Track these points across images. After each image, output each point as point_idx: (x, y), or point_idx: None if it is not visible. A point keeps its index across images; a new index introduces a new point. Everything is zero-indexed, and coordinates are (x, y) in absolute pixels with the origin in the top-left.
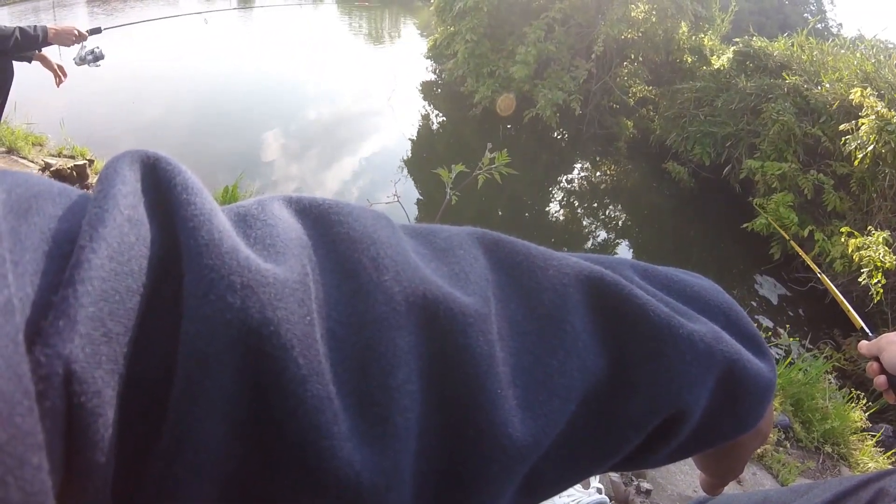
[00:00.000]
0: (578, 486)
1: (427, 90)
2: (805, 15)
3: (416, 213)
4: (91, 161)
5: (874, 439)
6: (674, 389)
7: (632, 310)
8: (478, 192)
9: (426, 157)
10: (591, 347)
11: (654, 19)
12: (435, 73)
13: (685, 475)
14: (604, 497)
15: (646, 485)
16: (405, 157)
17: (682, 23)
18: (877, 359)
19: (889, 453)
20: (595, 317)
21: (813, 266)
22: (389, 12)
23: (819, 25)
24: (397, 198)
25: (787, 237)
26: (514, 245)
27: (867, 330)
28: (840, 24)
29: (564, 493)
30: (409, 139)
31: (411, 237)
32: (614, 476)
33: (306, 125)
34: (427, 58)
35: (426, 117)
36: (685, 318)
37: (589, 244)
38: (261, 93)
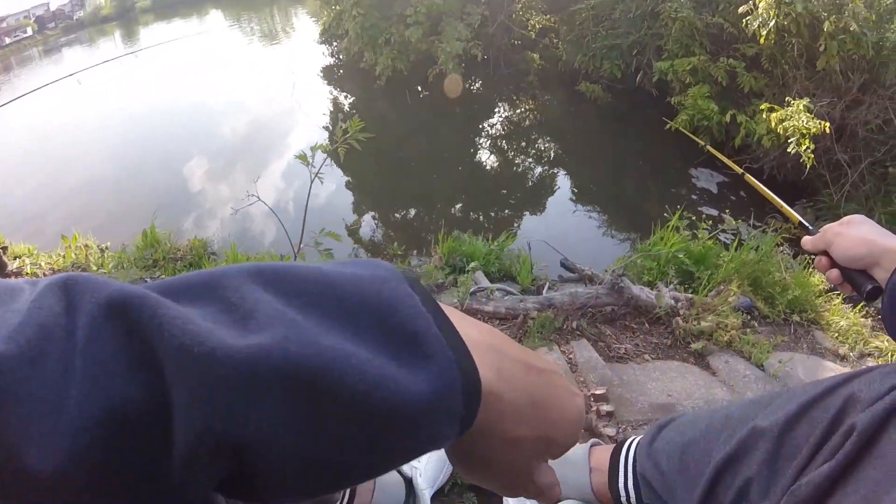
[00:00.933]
0: None
1: (329, 75)
2: None
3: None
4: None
5: (839, 297)
6: (200, 414)
7: (150, 331)
8: (405, 161)
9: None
10: (120, 373)
11: None
12: (332, 55)
13: (656, 381)
14: None
15: (606, 407)
16: (327, 149)
17: None
18: (825, 253)
19: (858, 307)
20: (123, 341)
21: (734, 166)
22: (278, 8)
23: None
24: (257, 197)
25: (703, 143)
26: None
27: (807, 224)
28: None
29: None
30: (324, 128)
31: None
32: None
33: (224, 144)
34: (321, 43)
35: (335, 101)
36: (245, 330)
37: (529, 183)
38: (171, 127)
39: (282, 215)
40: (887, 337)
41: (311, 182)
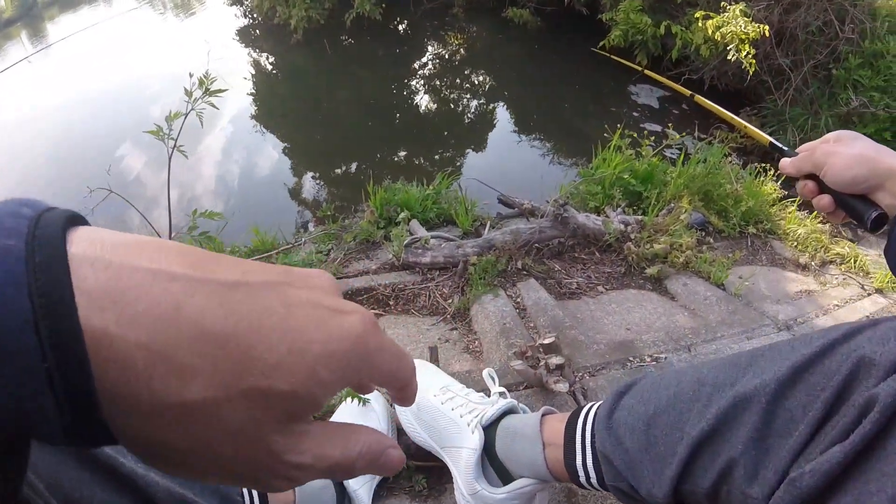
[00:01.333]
0: (481, 396)
1: (244, 36)
2: None
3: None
4: None
5: (794, 204)
6: None
7: None
8: (332, 114)
9: (271, 104)
10: None
11: None
12: (245, 15)
13: (613, 315)
14: (511, 401)
15: (556, 360)
16: (253, 114)
17: None
18: (812, 177)
19: (814, 213)
20: None
21: (681, 90)
22: None
23: None
24: (109, 190)
25: (641, 69)
26: None
27: (780, 145)
28: None
29: (467, 410)
30: (249, 94)
31: None
32: (517, 364)
33: (145, 126)
34: (231, 4)
35: (255, 63)
36: None
37: (466, 121)
38: (102, 116)
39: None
40: (848, 243)
41: (170, 156)
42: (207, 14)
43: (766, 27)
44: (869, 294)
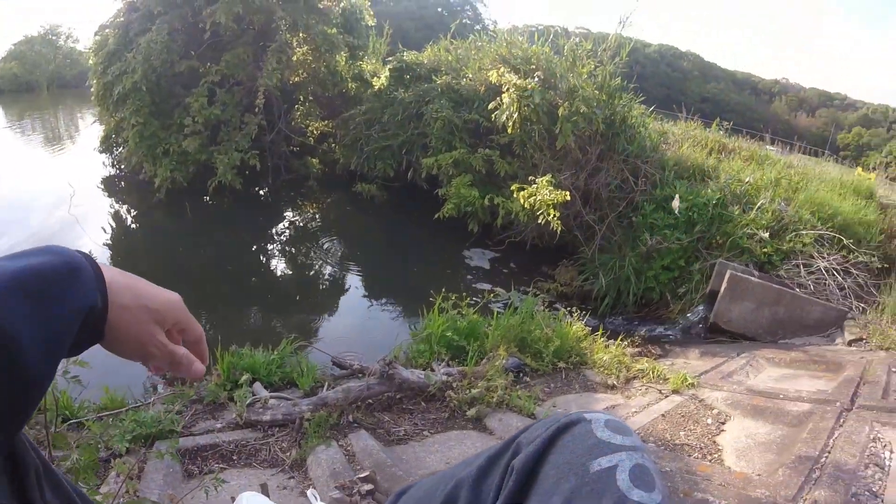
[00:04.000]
0: None
1: (109, 186)
2: (464, 20)
3: None
4: None
5: (600, 334)
6: None
7: None
8: (187, 275)
9: (127, 259)
10: None
11: (310, 59)
12: (113, 165)
13: (435, 454)
14: None
15: (366, 487)
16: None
17: (339, 56)
18: None
19: (620, 339)
20: None
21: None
22: (63, 109)
23: (477, 26)
24: None
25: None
26: None
27: None
28: (494, 21)
29: None
30: (105, 244)
31: None
32: (335, 493)
33: None
34: (101, 151)
35: (116, 215)
36: None
37: (319, 283)
38: None
39: None
40: (647, 359)
41: None
42: (75, 151)
43: (568, 192)
44: (666, 396)
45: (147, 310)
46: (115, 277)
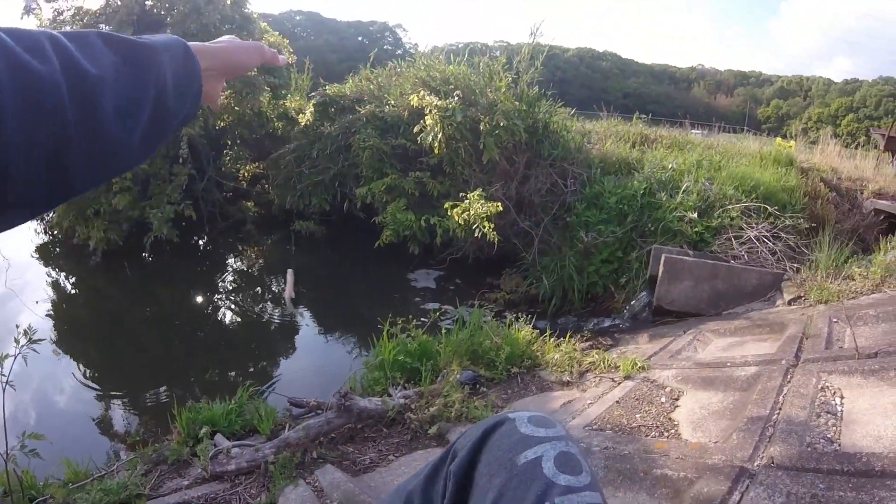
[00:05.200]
0: None
1: (44, 254)
2: (385, 47)
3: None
4: None
5: (548, 335)
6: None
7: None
8: (132, 335)
9: (71, 327)
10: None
11: (233, 103)
12: (45, 232)
13: (403, 476)
14: None
15: None
16: (53, 339)
17: (261, 97)
18: None
19: (569, 336)
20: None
21: None
22: None
23: (399, 51)
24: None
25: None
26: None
27: None
28: (415, 44)
29: None
30: (47, 314)
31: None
32: None
33: None
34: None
35: (54, 284)
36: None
37: (270, 327)
38: None
39: (13, 423)
40: (598, 351)
41: (3, 391)
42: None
43: (500, 203)
44: (619, 383)
45: (219, 68)
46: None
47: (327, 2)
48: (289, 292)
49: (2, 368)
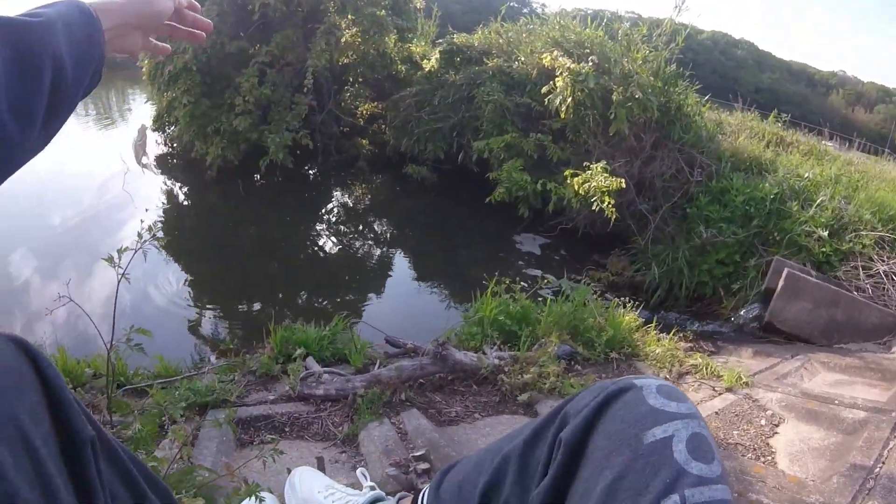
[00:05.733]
0: (350, 490)
1: (162, 164)
2: (511, 3)
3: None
4: None
5: (653, 327)
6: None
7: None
8: (239, 251)
9: (180, 236)
10: None
11: (359, 41)
12: (165, 144)
13: (486, 437)
14: (378, 492)
15: (422, 465)
16: (163, 245)
17: (388, 38)
18: None
19: (672, 332)
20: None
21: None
22: (115, 88)
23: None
24: (69, 298)
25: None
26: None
27: None
28: (543, 4)
29: (343, 502)
30: (158, 221)
31: None
32: (391, 471)
33: (53, 237)
34: (154, 130)
35: (169, 193)
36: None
37: (365, 264)
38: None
39: (105, 312)
40: (700, 354)
41: (119, 283)
42: (127, 130)
43: (623, 180)
44: (720, 393)
45: (126, 24)
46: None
47: None
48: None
49: (120, 260)
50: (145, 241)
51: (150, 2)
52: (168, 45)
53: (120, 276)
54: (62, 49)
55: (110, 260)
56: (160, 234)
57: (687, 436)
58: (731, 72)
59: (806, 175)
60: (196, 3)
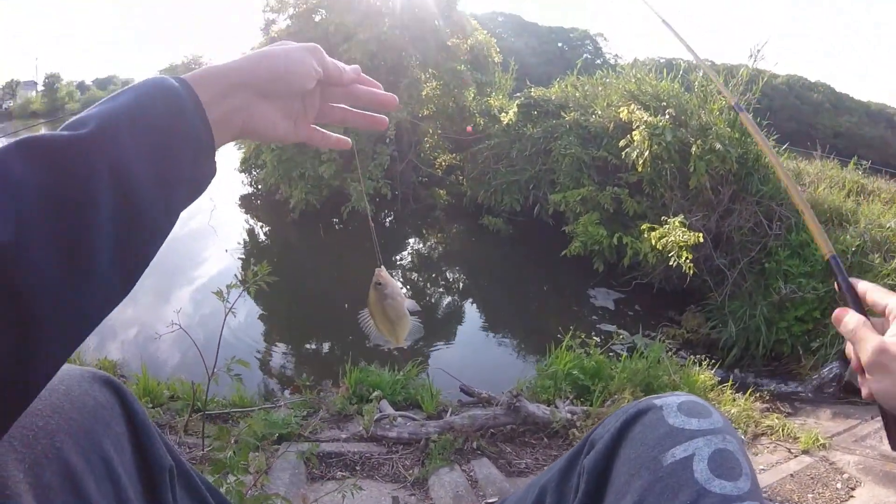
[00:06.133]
0: None
1: (246, 204)
2: (585, 55)
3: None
4: None
5: (729, 386)
6: None
7: None
8: (316, 293)
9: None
10: None
11: (439, 94)
12: (251, 185)
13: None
14: None
15: (491, 500)
16: (238, 275)
17: (467, 91)
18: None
19: (748, 392)
20: None
21: None
22: None
23: (598, 60)
24: (179, 326)
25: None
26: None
27: (839, 271)
28: (616, 56)
29: None
30: (239, 258)
31: None
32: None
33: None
34: (241, 171)
35: (250, 231)
36: None
37: (438, 312)
38: None
39: (190, 340)
40: (777, 415)
41: (225, 317)
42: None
43: (701, 234)
44: (796, 456)
45: (244, 89)
46: (198, 81)
47: (526, 4)
48: None
49: (228, 295)
50: (255, 280)
51: (269, 55)
52: (347, 138)
53: (227, 311)
54: (126, 157)
55: (220, 294)
56: (234, 269)
57: (709, 453)
58: (808, 117)
59: (888, 225)
60: (366, 76)
